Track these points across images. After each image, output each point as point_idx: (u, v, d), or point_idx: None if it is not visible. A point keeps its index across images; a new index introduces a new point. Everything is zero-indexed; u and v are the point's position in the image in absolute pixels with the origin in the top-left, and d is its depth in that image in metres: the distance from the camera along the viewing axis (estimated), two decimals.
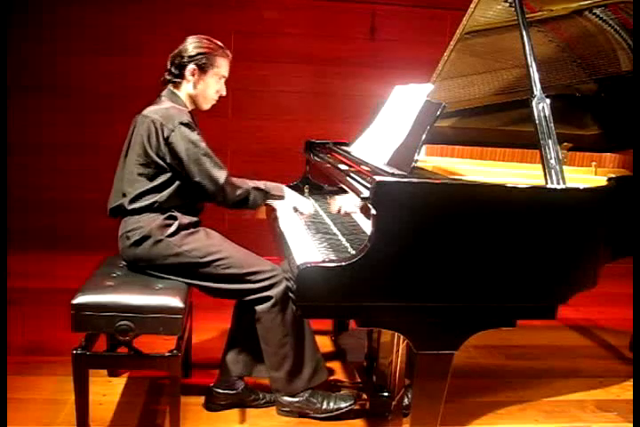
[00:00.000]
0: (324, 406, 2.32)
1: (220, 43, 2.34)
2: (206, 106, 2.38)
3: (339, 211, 2.31)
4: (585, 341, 3.31)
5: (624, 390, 2.72)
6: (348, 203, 2.23)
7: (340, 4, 4.44)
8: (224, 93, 2.39)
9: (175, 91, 2.32)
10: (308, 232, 2.29)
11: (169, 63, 2.31)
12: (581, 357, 3.09)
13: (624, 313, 3.35)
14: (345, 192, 2.23)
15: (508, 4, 2.42)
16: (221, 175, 2.21)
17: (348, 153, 2.50)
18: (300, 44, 4.43)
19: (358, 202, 2.08)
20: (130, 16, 4.23)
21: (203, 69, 2.28)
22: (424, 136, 2.05)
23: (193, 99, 2.34)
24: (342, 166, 2.31)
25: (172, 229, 2.21)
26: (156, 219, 2.22)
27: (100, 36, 4.22)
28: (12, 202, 4.13)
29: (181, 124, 2.17)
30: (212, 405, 2.38)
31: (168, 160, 2.20)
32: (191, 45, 2.28)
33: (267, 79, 4.43)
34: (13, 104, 4.08)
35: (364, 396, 2.46)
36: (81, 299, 2.05)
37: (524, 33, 2.12)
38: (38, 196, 4.30)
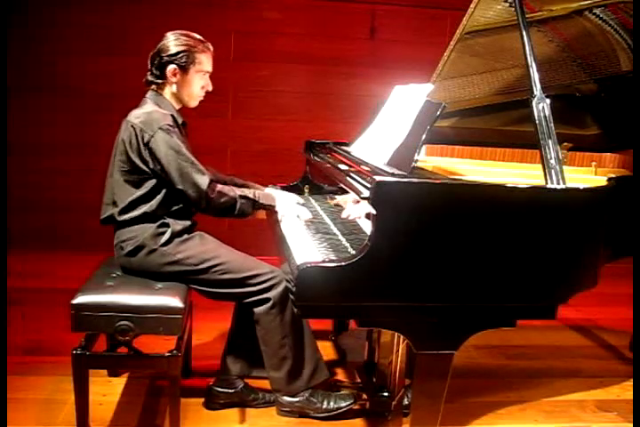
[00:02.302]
0: (325, 406, 2.32)
1: (199, 36, 2.28)
2: (193, 103, 2.33)
3: (348, 217, 2.28)
4: (585, 341, 3.31)
5: (624, 390, 2.72)
6: (354, 209, 2.21)
7: (340, 3, 4.43)
8: (210, 89, 2.33)
9: (159, 91, 2.28)
10: (308, 232, 2.29)
11: (149, 63, 2.26)
12: (581, 357, 3.09)
13: (624, 313, 3.35)
14: (345, 192, 2.23)
15: (507, 4, 2.42)
16: (203, 181, 2.16)
17: (348, 153, 2.50)
18: (300, 44, 4.43)
19: (366, 208, 2.06)
20: (130, 16, 4.23)
21: (184, 68, 2.23)
22: (424, 136, 2.05)
23: (179, 98, 2.29)
24: (342, 166, 2.31)
25: (166, 237, 2.19)
26: (149, 228, 2.19)
27: (100, 36, 4.22)
28: (12, 202, 4.12)
29: (160, 129, 2.13)
30: (212, 404, 2.38)
31: (151, 166, 2.16)
32: (170, 43, 2.22)
33: (267, 79, 4.43)
34: (13, 104, 4.08)
35: (364, 396, 2.46)
36: (81, 299, 2.05)
37: (524, 33, 2.12)
38: (38, 196, 4.30)
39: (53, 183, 4.32)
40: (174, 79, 2.25)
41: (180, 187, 2.16)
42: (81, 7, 4.16)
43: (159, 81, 2.26)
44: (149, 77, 2.27)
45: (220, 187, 2.22)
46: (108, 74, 4.26)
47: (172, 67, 2.22)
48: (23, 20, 4.11)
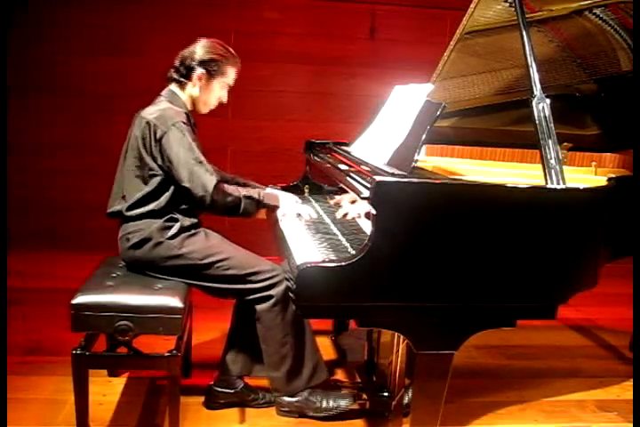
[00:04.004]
0: (324, 405, 2.32)
1: (232, 50, 2.35)
2: (205, 110, 2.38)
3: (345, 216, 2.29)
4: (585, 341, 3.32)
5: (624, 390, 2.72)
6: (352, 209, 2.21)
7: (340, 3, 4.44)
8: (225, 101, 2.39)
9: (178, 90, 2.31)
10: (308, 232, 2.29)
11: (178, 61, 2.30)
12: (581, 357, 3.09)
13: (624, 313, 3.35)
14: (345, 192, 2.23)
15: (507, 4, 2.42)
16: (210, 182, 2.17)
17: (348, 153, 2.50)
18: (300, 44, 4.43)
19: (363, 207, 2.06)
20: (130, 16, 4.23)
21: (211, 75, 2.28)
22: (424, 136, 2.05)
23: (194, 101, 2.34)
24: (342, 166, 2.31)
25: (173, 231, 2.21)
26: (156, 221, 2.21)
27: (99, 36, 4.23)
28: (12, 202, 4.12)
29: (173, 126, 2.15)
30: (212, 404, 2.39)
31: (159, 162, 2.19)
32: (204, 49, 2.27)
33: (267, 79, 4.43)
34: (13, 104, 4.08)
35: (364, 396, 2.46)
36: (81, 299, 2.05)
37: (524, 33, 2.12)
38: (38, 196, 4.30)
39: (53, 183, 4.33)
40: (198, 83, 2.29)
41: (186, 185, 2.17)
42: (81, 7, 4.16)
43: (183, 80, 2.30)
44: (174, 75, 2.31)
45: (225, 187, 2.25)
46: (108, 74, 4.27)
47: (200, 71, 2.27)
48: (23, 20, 4.11)
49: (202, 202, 2.20)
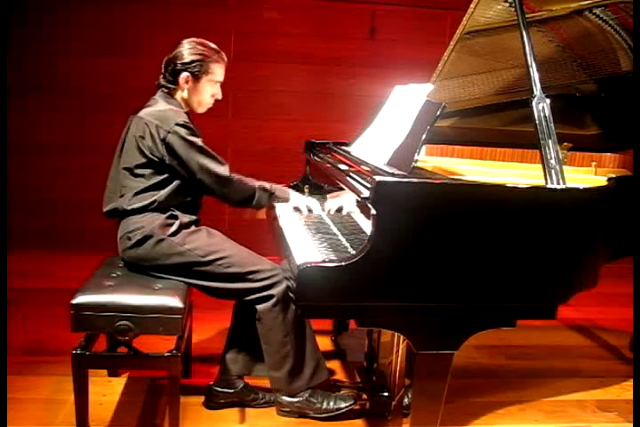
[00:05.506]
0: (324, 406, 2.32)
1: (214, 46, 2.34)
2: (201, 110, 2.39)
3: (339, 210, 2.31)
4: (585, 341, 3.31)
5: (624, 390, 2.72)
6: (348, 203, 2.22)
7: (340, 3, 4.44)
8: (219, 97, 2.39)
9: (169, 95, 2.33)
10: (308, 232, 2.29)
11: (163, 68, 2.32)
12: (581, 357, 3.09)
13: (624, 313, 3.35)
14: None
15: (507, 4, 2.43)
16: (224, 170, 2.23)
17: (348, 153, 2.50)
18: (300, 44, 4.43)
19: (355, 202, 2.07)
20: (130, 16, 4.23)
21: (196, 77, 2.29)
22: (424, 136, 2.05)
23: (188, 103, 2.35)
24: (342, 166, 2.31)
25: (174, 228, 2.22)
26: (157, 218, 2.22)
27: (99, 36, 4.23)
28: (12, 202, 4.13)
29: (177, 124, 2.18)
30: (212, 403, 2.39)
31: (167, 161, 2.20)
32: (185, 51, 2.28)
33: (267, 79, 4.43)
34: (13, 104, 4.08)
35: (364, 396, 2.46)
36: (80, 299, 2.05)
37: (524, 33, 2.12)
38: (38, 196, 4.30)
39: (53, 183, 4.33)
40: (186, 86, 2.31)
41: (199, 177, 2.22)
42: (81, 7, 4.16)
43: (171, 86, 2.32)
44: (162, 81, 2.33)
45: (240, 176, 2.29)
46: (108, 74, 4.27)
47: (185, 74, 2.28)
48: (23, 20, 4.11)
49: (219, 191, 2.25)
